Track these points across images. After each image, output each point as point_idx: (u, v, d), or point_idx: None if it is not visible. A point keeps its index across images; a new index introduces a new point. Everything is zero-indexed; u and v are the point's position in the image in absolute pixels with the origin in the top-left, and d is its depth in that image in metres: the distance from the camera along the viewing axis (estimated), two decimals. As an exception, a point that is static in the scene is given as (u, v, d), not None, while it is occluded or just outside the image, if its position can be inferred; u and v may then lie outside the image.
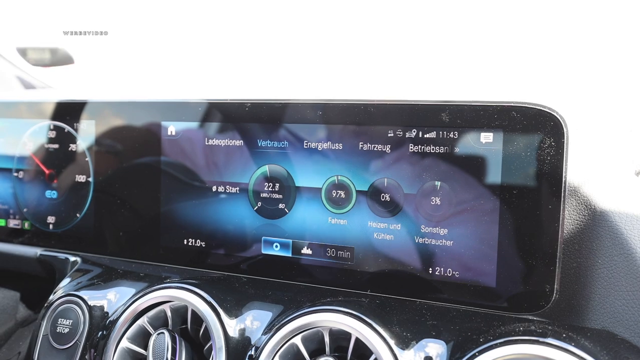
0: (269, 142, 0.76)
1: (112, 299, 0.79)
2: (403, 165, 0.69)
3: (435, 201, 0.68)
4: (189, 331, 0.74)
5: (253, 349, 0.67)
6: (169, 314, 0.73)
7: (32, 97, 0.99)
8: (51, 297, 0.83)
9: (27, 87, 1.44)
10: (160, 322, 0.74)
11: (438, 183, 0.68)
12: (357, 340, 0.63)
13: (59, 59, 1.59)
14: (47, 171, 0.94)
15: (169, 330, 0.69)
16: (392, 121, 0.69)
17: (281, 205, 0.76)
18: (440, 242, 0.68)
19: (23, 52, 1.53)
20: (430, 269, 0.68)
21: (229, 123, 0.79)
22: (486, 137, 0.65)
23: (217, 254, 0.80)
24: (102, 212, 0.89)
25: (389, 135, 0.70)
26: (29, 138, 0.95)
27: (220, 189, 0.80)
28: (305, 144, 0.74)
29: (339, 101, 0.72)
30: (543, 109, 0.62)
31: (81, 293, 0.80)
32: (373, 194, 0.71)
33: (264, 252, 0.77)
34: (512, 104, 0.64)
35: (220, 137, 0.79)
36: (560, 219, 0.62)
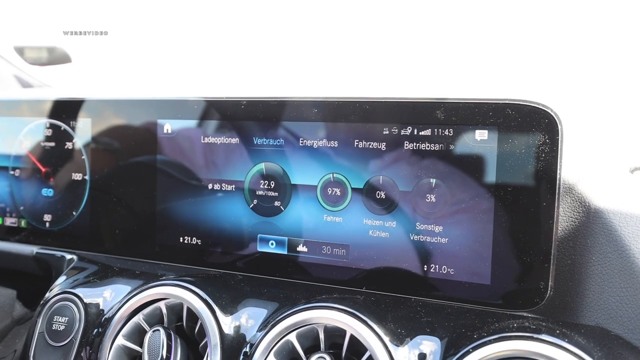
0: (264, 139, 0.76)
1: (107, 296, 0.79)
2: (398, 163, 0.69)
3: (431, 199, 0.68)
4: (185, 328, 0.74)
5: (248, 345, 0.67)
6: (164, 311, 0.73)
7: (28, 95, 0.99)
8: (47, 294, 0.83)
9: (24, 86, 1.44)
10: (155, 320, 0.74)
11: (433, 180, 0.68)
12: (352, 337, 0.63)
13: (57, 58, 1.58)
14: (43, 169, 0.94)
15: (164, 328, 0.69)
16: (387, 119, 0.70)
17: (277, 203, 0.76)
18: (436, 240, 0.68)
19: (20, 51, 1.52)
20: (425, 266, 0.68)
21: (225, 121, 0.79)
22: (481, 134, 0.65)
23: (213, 251, 0.80)
24: (99, 210, 0.89)
25: (384, 132, 0.70)
26: (26, 136, 0.95)
27: (216, 186, 0.80)
28: (300, 141, 0.74)
29: (334, 99, 0.72)
30: (538, 106, 0.62)
31: (77, 291, 0.80)
32: (368, 191, 0.71)
33: (259, 249, 0.78)
34: (507, 101, 0.64)
35: (216, 135, 0.79)
36: (555, 216, 0.62)
